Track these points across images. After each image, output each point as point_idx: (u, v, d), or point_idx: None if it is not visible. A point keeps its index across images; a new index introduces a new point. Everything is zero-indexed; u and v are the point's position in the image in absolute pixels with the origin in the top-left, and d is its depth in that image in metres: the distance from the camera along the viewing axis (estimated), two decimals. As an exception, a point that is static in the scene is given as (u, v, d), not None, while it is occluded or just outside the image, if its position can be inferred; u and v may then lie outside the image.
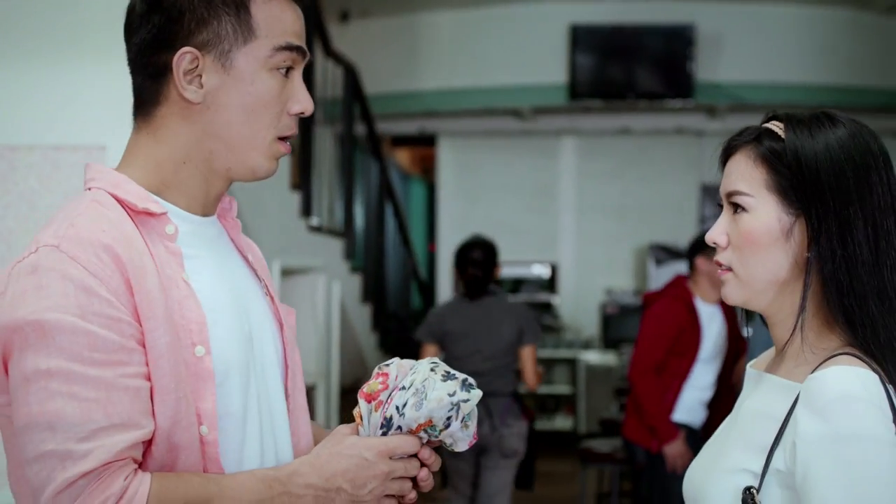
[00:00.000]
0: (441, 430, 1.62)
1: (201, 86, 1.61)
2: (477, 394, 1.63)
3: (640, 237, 11.63)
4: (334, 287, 6.82)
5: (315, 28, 6.80)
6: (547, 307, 12.18)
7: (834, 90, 10.94)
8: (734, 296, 1.70)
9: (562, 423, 11.43)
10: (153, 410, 1.52)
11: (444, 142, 12.32)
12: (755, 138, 1.68)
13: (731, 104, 11.11)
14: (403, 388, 1.63)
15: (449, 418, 1.62)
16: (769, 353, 1.80)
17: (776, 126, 1.68)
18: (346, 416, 3.03)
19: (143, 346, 1.52)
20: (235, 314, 1.66)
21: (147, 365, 1.51)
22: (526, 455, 5.48)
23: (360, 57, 8.52)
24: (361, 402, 1.65)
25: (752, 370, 1.79)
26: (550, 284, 12.22)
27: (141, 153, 1.66)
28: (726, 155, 1.74)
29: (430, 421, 1.61)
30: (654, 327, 5.29)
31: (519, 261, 12.20)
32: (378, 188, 8.54)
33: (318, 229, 6.83)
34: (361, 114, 8.01)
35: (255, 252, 1.86)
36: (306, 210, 6.60)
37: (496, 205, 12.22)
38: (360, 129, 8.09)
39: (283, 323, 1.80)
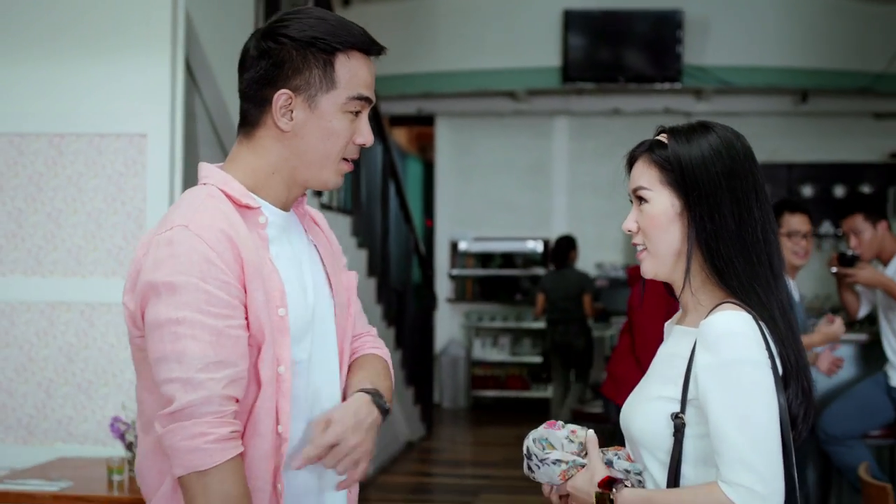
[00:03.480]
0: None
1: (292, 119, 2.08)
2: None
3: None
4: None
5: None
6: (540, 281, 12.67)
7: (814, 73, 11.40)
8: (648, 269, 2.19)
9: (555, 391, 11.99)
10: (247, 354, 2.01)
11: (441, 122, 12.76)
12: (649, 148, 2.18)
13: (718, 87, 11.53)
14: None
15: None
16: (679, 312, 2.27)
17: (663, 137, 2.17)
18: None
19: (245, 307, 2.00)
20: (301, 288, 2.14)
21: (247, 319, 2.01)
22: (585, 351, 10.00)
23: None
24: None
25: (668, 325, 2.28)
26: (543, 259, 12.72)
27: (242, 161, 2.14)
28: (631, 163, 2.23)
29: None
30: (650, 298, 5.60)
31: (513, 237, 12.70)
32: (382, 168, 8.97)
33: (328, 207, 7.29)
34: (367, 98, 8.44)
35: (319, 232, 2.31)
36: (317, 191, 7.07)
37: (491, 182, 12.67)
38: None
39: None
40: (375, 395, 2.15)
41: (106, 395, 4.85)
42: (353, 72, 2.10)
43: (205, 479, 1.95)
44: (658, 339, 2.34)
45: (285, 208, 2.17)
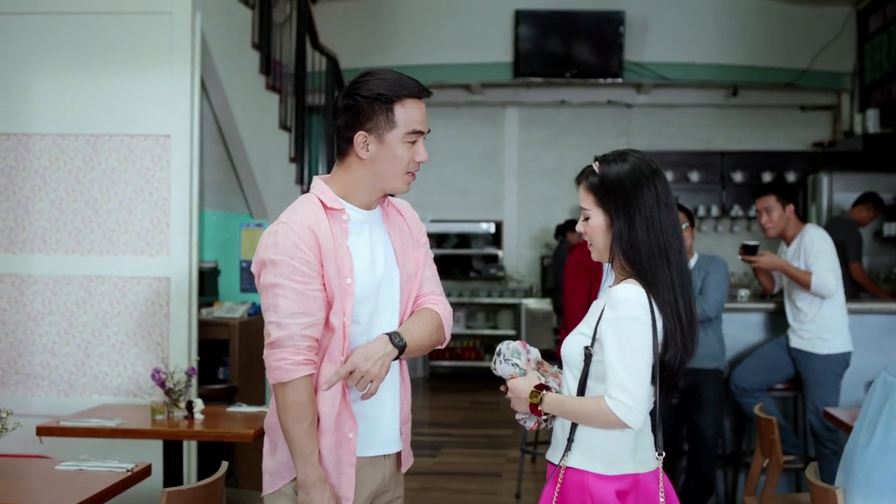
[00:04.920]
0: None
1: (368, 150, 2.99)
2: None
3: (575, 198, 12.56)
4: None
5: (307, 28, 8.18)
6: (493, 259, 13.62)
7: (744, 69, 12.34)
8: (595, 256, 3.12)
9: (506, 361, 12.92)
10: (324, 307, 2.96)
11: (401, 112, 13.52)
12: (587, 175, 3.09)
13: (656, 81, 12.48)
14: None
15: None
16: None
17: (596, 166, 3.09)
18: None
19: (322, 277, 2.95)
20: (371, 265, 3.06)
21: (323, 284, 2.95)
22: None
23: (326, 36, 9.36)
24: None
25: (605, 287, 3.23)
26: (496, 239, 13.70)
27: (337, 178, 3.06)
28: (578, 182, 3.13)
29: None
30: (575, 269, 6.56)
31: (467, 219, 13.63)
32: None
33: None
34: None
35: (397, 221, 3.20)
36: (300, 179, 8.00)
37: (448, 168, 13.54)
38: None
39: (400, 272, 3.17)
40: (394, 336, 3.04)
41: (136, 354, 5.76)
42: (407, 114, 3.00)
43: (284, 389, 2.93)
44: (580, 302, 3.29)
45: (369, 208, 3.08)
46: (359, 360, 2.96)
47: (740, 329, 6.73)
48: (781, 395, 6.75)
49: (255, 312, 7.05)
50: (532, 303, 12.68)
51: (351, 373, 2.96)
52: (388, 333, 3.05)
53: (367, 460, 3.09)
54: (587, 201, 3.11)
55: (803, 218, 10.73)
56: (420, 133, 3.04)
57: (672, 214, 3.06)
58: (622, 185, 3.03)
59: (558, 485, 3.04)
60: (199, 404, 4.98)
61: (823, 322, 6.31)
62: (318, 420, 2.98)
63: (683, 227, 6.23)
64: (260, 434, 4.72)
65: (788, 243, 6.51)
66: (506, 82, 12.76)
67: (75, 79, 5.81)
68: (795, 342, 6.40)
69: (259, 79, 7.32)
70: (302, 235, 2.93)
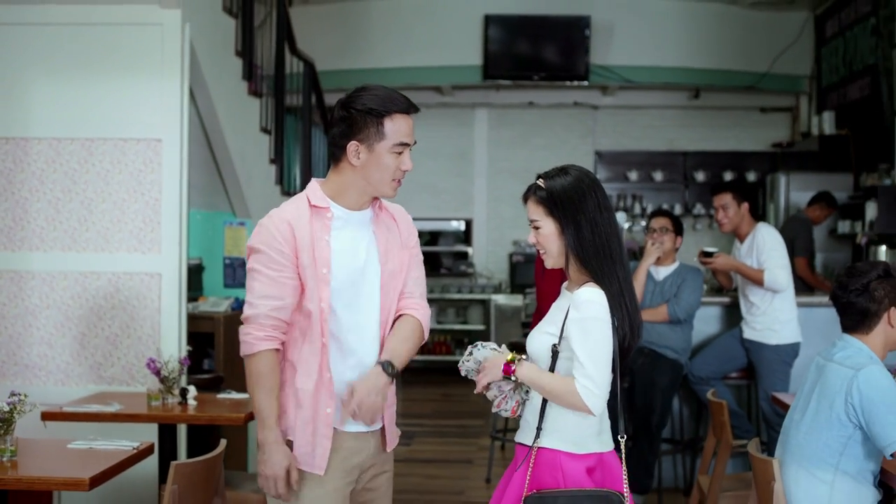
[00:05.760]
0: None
1: (359, 158, 3.31)
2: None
3: (543, 196, 13.23)
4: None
5: (286, 33, 8.52)
6: (463, 256, 13.97)
7: (706, 72, 12.72)
8: (549, 263, 3.43)
9: (476, 355, 13.25)
10: (301, 295, 3.30)
11: (373, 113, 13.81)
12: (534, 191, 3.41)
13: (621, 83, 12.87)
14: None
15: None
16: (567, 281, 3.54)
17: (541, 181, 3.42)
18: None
19: (296, 266, 3.28)
20: (353, 258, 3.38)
21: (297, 272, 3.28)
22: None
23: (299, 39, 9.56)
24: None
25: (563, 287, 3.54)
26: (466, 237, 14.04)
27: (330, 180, 3.38)
28: (525, 199, 3.44)
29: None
30: (555, 274, 6.96)
31: (438, 217, 13.95)
32: (327, 153, 10.07)
33: (288, 193, 8.54)
34: (317, 101, 9.63)
35: (387, 225, 3.50)
36: (279, 179, 8.35)
37: (419, 168, 13.38)
38: (315, 110, 9.68)
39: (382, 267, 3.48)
40: (386, 365, 3.33)
41: (129, 346, 6.08)
42: (395, 127, 3.30)
43: (250, 360, 3.32)
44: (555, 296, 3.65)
45: (355, 209, 3.40)
46: (364, 395, 3.25)
47: (698, 321, 7.08)
48: (735, 384, 7.16)
49: (239, 307, 7.38)
50: (501, 298, 13.01)
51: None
52: (380, 363, 3.33)
53: (351, 435, 3.40)
54: (537, 213, 3.42)
55: (762, 216, 11.24)
56: (406, 145, 3.34)
57: (611, 217, 3.41)
58: (568, 194, 3.36)
59: (531, 465, 3.37)
60: (192, 391, 5.32)
61: (774, 314, 6.72)
62: (298, 395, 3.34)
63: (665, 232, 6.74)
64: (250, 418, 5.08)
65: (742, 240, 6.91)
66: (475, 84, 13.05)
67: (71, 86, 6.12)
68: (748, 333, 6.81)
69: (242, 84, 7.65)
70: (280, 228, 3.27)
